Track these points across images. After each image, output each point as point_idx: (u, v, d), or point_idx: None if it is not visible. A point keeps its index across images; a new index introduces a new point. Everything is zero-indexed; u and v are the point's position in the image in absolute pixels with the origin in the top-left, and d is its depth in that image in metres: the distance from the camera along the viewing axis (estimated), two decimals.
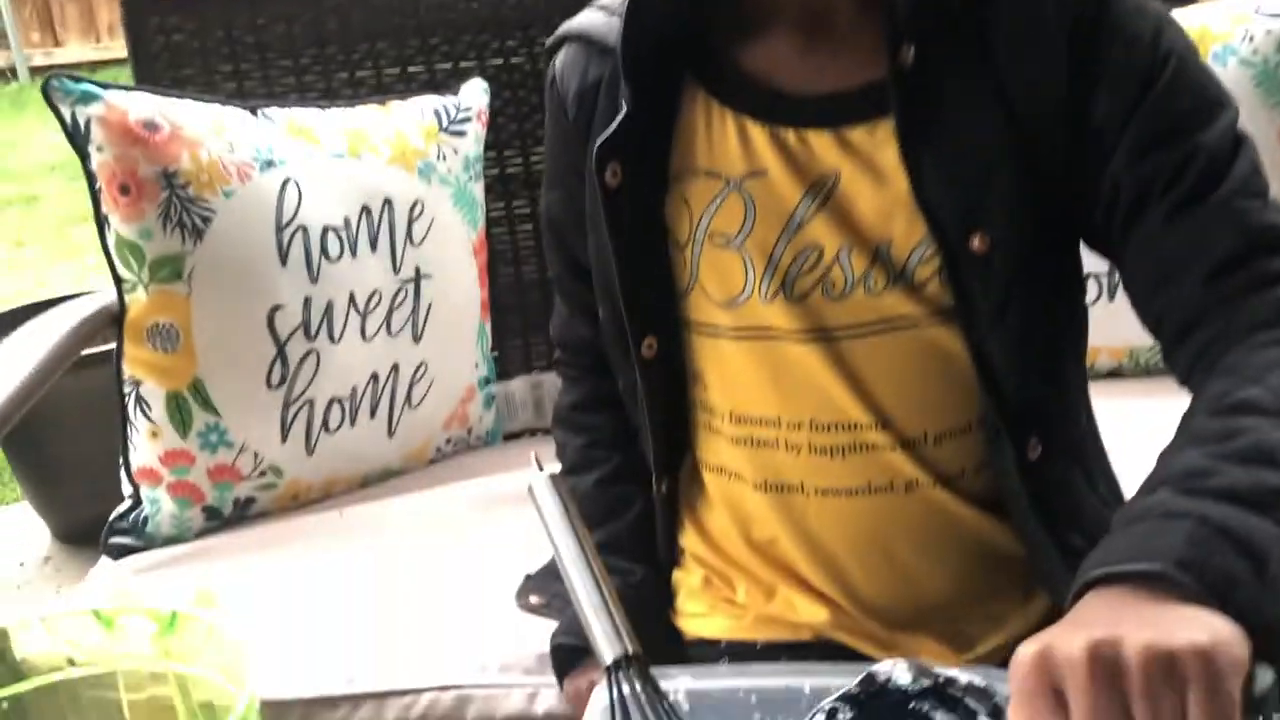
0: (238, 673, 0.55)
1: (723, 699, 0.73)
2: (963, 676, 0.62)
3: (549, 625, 1.22)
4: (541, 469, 0.78)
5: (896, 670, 0.62)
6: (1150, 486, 0.67)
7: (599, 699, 0.73)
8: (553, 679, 1.15)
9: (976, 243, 0.84)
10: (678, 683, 0.73)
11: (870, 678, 0.63)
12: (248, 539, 1.48)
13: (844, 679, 0.72)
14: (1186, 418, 0.72)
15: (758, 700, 0.72)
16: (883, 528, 0.91)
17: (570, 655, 1.07)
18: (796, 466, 0.92)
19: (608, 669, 0.69)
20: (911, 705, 0.62)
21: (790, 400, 0.91)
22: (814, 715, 0.63)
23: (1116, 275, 0.87)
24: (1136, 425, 0.97)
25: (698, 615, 1.05)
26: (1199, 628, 0.54)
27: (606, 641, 0.70)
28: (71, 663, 0.60)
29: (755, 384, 0.92)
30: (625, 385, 1.03)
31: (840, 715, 0.63)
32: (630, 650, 0.69)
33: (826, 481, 0.91)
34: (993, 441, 0.89)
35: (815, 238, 0.89)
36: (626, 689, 0.69)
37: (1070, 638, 0.54)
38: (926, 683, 0.62)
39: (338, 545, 1.45)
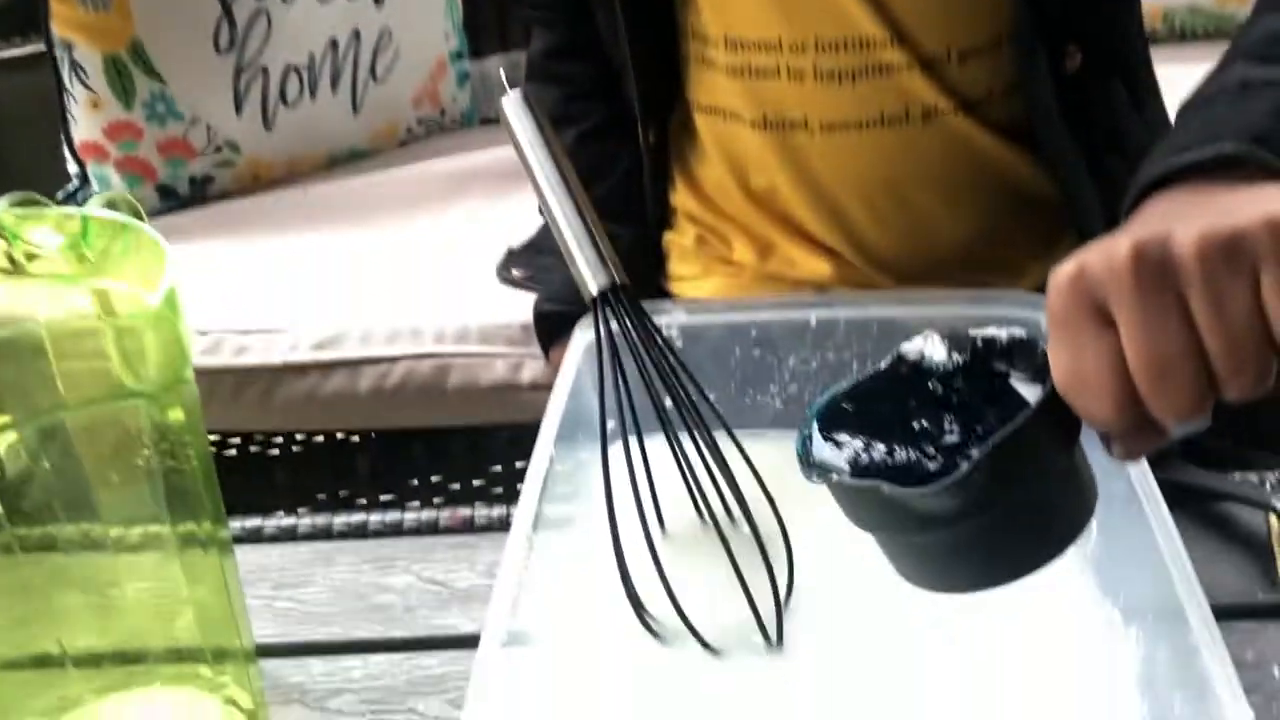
0: (157, 279, 0.47)
1: (720, 335, 0.66)
2: (1002, 333, 0.50)
3: (532, 298, 1.16)
4: (512, 87, 0.68)
5: (929, 346, 0.51)
6: (1219, 69, 0.56)
7: (582, 337, 0.65)
8: (538, 350, 1.09)
9: None
10: (671, 318, 0.66)
11: (900, 358, 0.51)
12: (207, 219, 1.40)
13: (851, 310, 0.65)
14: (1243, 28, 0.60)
15: (758, 335, 0.65)
16: (896, 166, 0.82)
17: (555, 323, 1.00)
18: (800, 98, 0.82)
19: (592, 301, 0.62)
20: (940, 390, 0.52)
21: (793, 16, 0.80)
22: (831, 395, 0.52)
23: None
24: (1171, 95, 0.86)
25: (691, 278, 0.97)
26: (1273, 198, 0.43)
27: (590, 271, 0.62)
28: None
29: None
30: (604, 20, 0.91)
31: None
32: (618, 280, 0.62)
33: (833, 114, 0.81)
34: (1026, 58, 0.78)
35: None
36: (614, 325, 0.62)
37: (1111, 246, 0.43)
38: (961, 359, 0.50)
39: (305, 224, 1.37)
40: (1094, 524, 0.53)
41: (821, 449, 0.49)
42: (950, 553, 0.45)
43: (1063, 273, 0.43)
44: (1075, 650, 0.54)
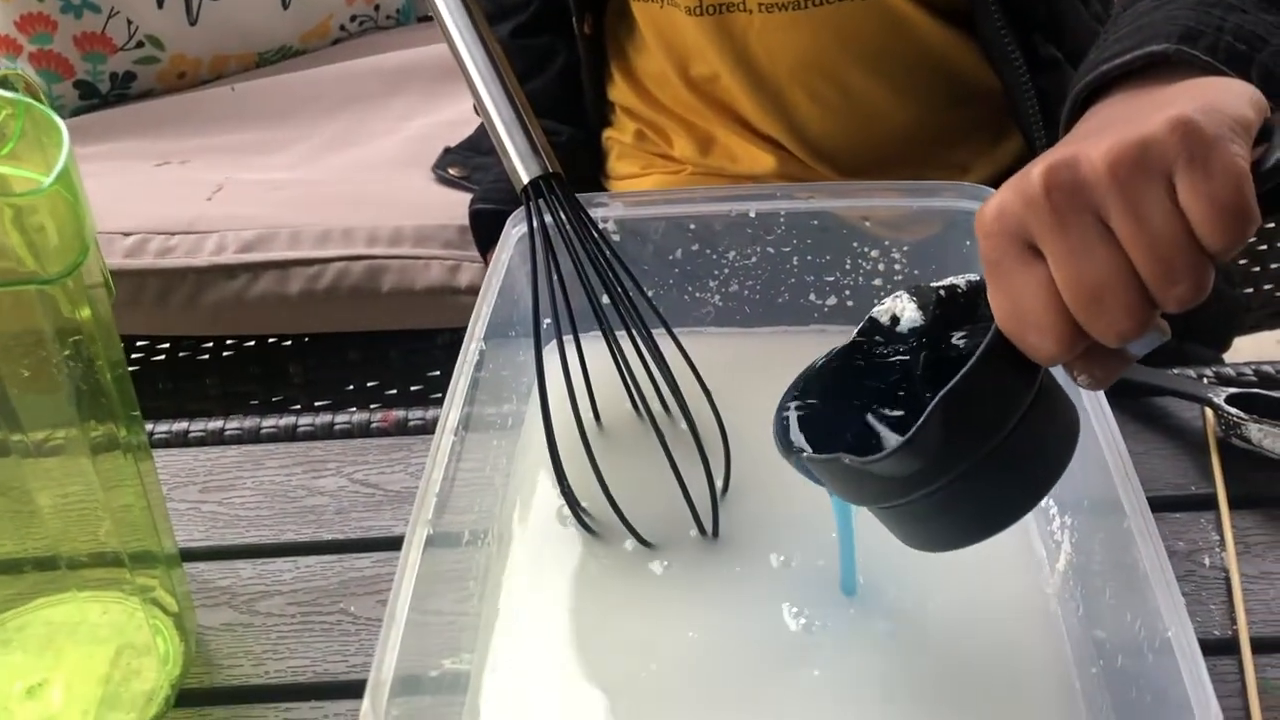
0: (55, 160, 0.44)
1: (658, 229, 0.64)
2: (960, 281, 0.48)
3: (469, 194, 1.13)
4: None
5: (898, 306, 0.49)
6: None
7: (514, 231, 0.63)
8: (475, 253, 1.06)
9: None
10: (608, 210, 0.63)
11: (873, 323, 0.49)
12: (131, 117, 1.34)
13: (791, 202, 0.64)
14: None
15: (697, 228, 0.64)
16: (834, 48, 0.80)
17: (491, 222, 0.98)
18: None
19: (524, 191, 0.59)
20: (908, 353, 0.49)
21: None
22: (805, 373, 0.50)
23: None
24: None
25: (630, 176, 0.95)
26: (1185, 100, 0.40)
27: (521, 161, 0.59)
28: None
29: None
30: None
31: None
32: (550, 169, 0.59)
33: None
34: None
35: None
36: (548, 218, 0.60)
37: (1025, 176, 0.41)
38: (929, 315, 0.48)
39: (234, 123, 1.32)
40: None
41: (795, 429, 0.48)
42: (940, 512, 0.43)
43: (984, 214, 0.41)
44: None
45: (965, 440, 0.41)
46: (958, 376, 0.41)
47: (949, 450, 0.41)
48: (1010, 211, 0.40)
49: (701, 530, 0.56)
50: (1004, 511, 0.44)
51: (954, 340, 0.48)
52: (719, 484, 0.57)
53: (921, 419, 0.40)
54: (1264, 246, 1.29)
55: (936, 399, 0.40)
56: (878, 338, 0.49)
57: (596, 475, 0.55)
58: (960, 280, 0.48)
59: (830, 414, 0.49)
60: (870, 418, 0.49)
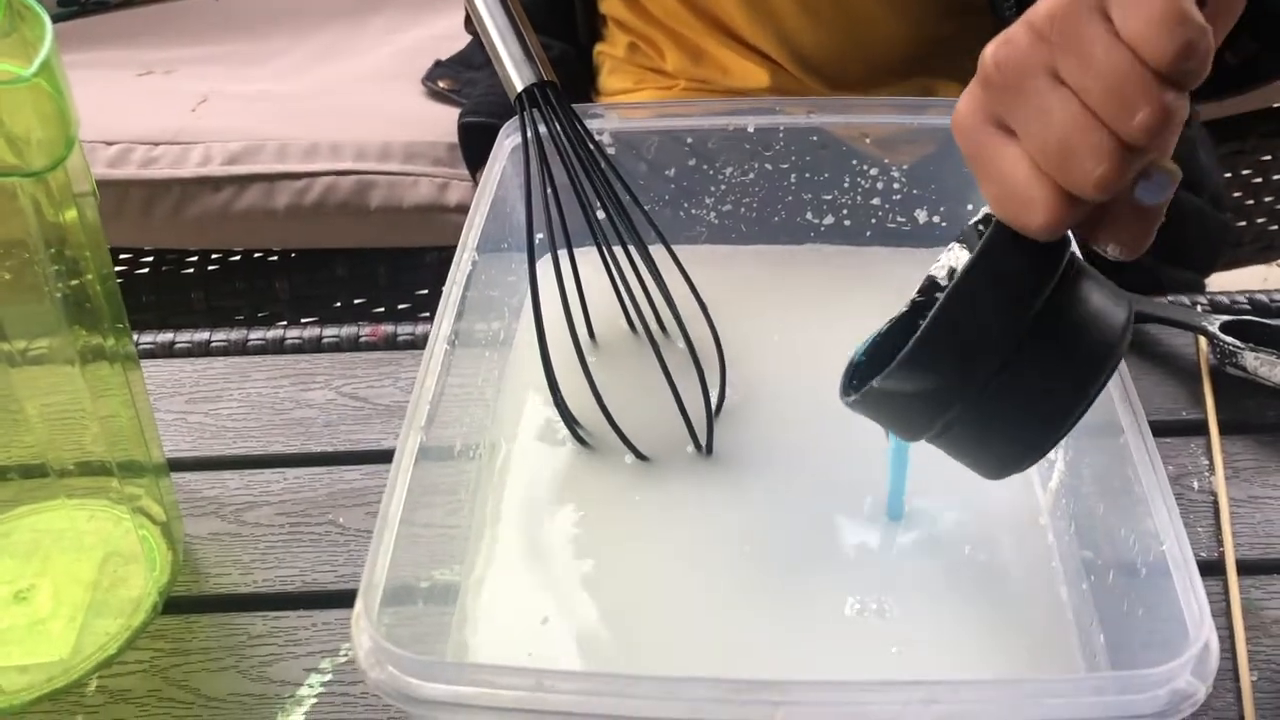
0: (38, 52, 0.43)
1: (654, 142, 0.63)
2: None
3: (459, 108, 1.11)
4: None
5: (951, 257, 0.47)
6: None
7: (507, 142, 0.62)
8: (464, 171, 1.05)
9: None
10: (603, 123, 0.62)
11: (931, 281, 0.47)
12: (112, 25, 1.31)
13: (792, 117, 0.63)
14: None
15: (694, 143, 0.63)
16: None
17: (481, 137, 0.96)
18: None
19: (518, 99, 0.58)
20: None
21: None
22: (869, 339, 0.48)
23: None
24: None
25: (622, 92, 0.93)
26: None
27: (515, 68, 0.58)
28: None
29: None
30: None
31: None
32: (545, 77, 0.58)
33: None
34: None
35: None
36: (542, 128, 0.59)
37: (979, 66, 0.41)
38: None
39: (220, 33, 1.30)
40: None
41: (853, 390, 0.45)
42: (986, 426, 0.42)
43: (955, 115, 0.42)
44: None
45: (982, 338, 0.40)
46: (957, 275, 0.40)
47: (968, 349, 0.40)
48: (974, 101, 0.41)
49: (697, 446, 0.55)
50: (1055, 410, 0.42)
51: None
52: (714, 399, 0.57)
53: (928, 317, 0.40)
54: (1259, 179, 1.29)
55: (942, 296, 0.40)
56: (937, 295, 0.47)
57: (593, 390, 0.54)
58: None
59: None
60: None
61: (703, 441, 0.55)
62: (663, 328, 0.59)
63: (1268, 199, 1.31)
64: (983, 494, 0.52)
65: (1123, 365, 0.48)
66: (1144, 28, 0.36)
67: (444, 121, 1.10)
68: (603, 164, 0.58)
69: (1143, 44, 0.37)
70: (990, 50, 0.40)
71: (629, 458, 0.55)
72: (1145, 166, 0.39)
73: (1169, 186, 0.40)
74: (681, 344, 0.57)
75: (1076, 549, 0.49)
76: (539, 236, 0.57)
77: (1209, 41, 0.37)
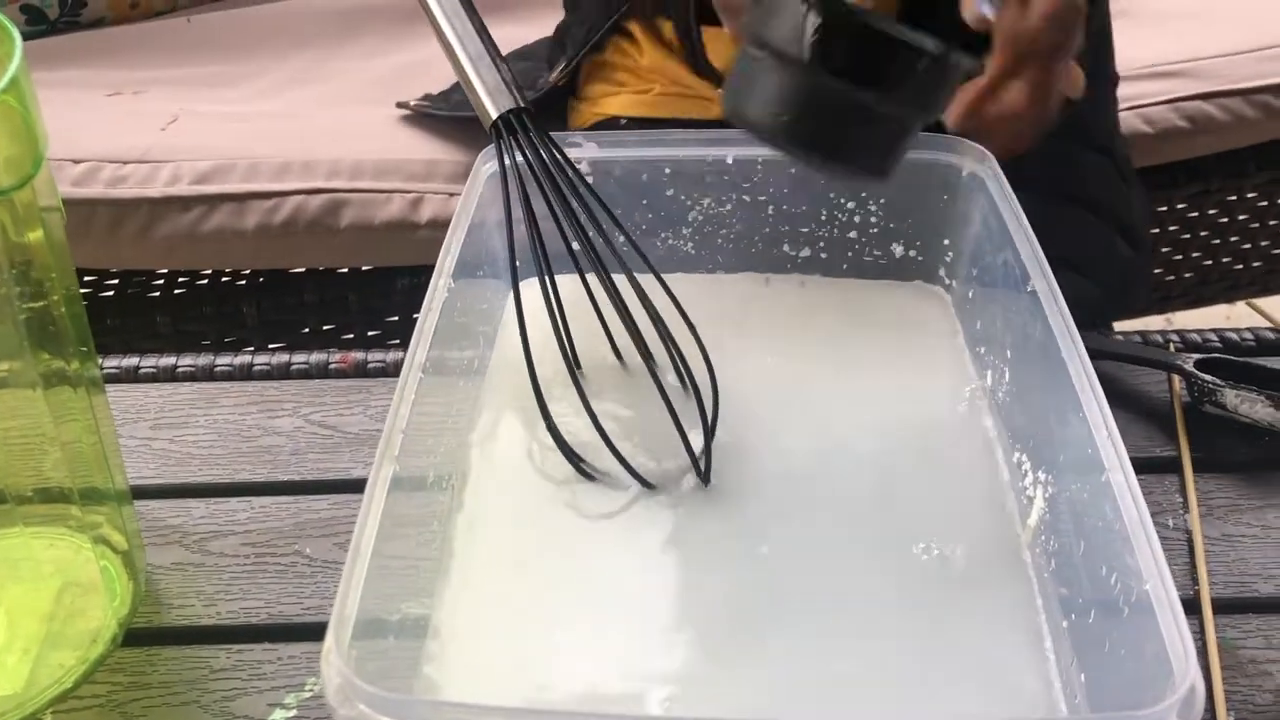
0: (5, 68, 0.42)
1: (633, 170, 0.62)
2: None
3: (432, 132, 1.11)
4: None
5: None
6: None
7: (484, 169, 0.61)
8: (438, 186, 1.04)
9: None
10: (581, 151, 0.62)
11: None
12: (81, 45, 1.30)
13: (769, 150, 0.62)
14: None
15: (672, 172, 0.62)
16: None
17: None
18: None
19: (494, 127, 0.58)
20: None
21: None
22: None
23: None
24: None
25: (601, 97, 0.94)
26: None
27: (490, 96, 0.58)
28: None
29: None
30: None
31: None
32: (521, 103, 0.57)
33: None
34: None
35: None
36: (519, 156, 0.58)
37: None
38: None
39: (189, 53, 1.28)
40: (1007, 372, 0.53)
41: None
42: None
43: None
44: (983, 495, 0.54)
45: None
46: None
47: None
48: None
49: (698, 472, 0.55)
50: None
51: None
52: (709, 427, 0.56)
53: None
54: (1224, 219, 1.30)
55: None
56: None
57: (592, 419, 0.53)
58: None
59: None
60: None
61: (700, 464, 0.54)
62: (649, 357, 0.59)
63: (1233, 239, 1.32)
64: (963, 529, 0.51)
65: (1103, 405, 0.47)
66: None
67: (416, 136, 1.10)
68: (581, 189, 0.57)
69: None
70: None
71: (606, 489, 0.54)
72: None
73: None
74: (671, 375, 0.56)
75: (1055, 586, 0.48)
76: (518, 264, 0.56)
77: None
